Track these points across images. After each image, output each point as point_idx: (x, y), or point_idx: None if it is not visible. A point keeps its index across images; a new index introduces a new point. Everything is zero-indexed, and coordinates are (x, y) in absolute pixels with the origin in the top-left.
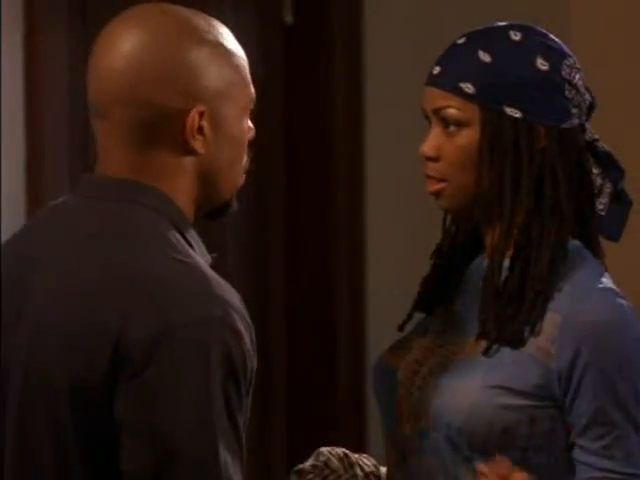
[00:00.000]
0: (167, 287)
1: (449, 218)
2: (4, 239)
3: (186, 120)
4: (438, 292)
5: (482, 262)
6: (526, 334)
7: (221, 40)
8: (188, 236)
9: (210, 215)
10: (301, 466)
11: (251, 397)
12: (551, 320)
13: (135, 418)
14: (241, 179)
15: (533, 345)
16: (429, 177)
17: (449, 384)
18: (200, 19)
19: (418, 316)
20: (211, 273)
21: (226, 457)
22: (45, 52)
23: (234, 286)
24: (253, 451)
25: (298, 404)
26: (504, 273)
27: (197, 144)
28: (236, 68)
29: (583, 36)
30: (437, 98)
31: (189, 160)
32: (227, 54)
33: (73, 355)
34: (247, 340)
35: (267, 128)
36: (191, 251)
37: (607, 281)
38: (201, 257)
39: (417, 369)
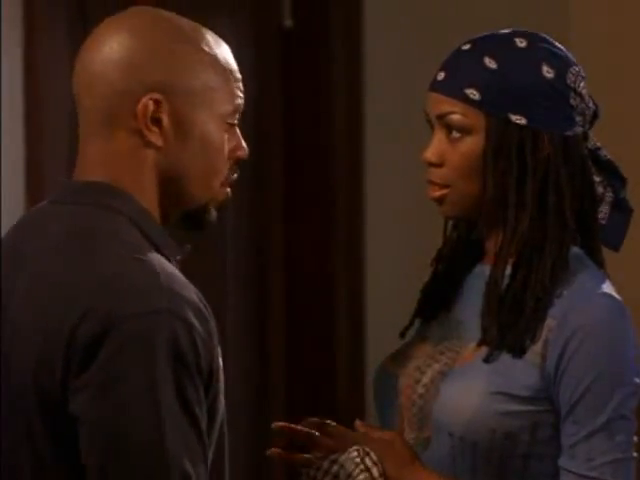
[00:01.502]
0: (116, 283)
1: (450, 224)
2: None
3: (138, 105)
4: (439, 299)
5: (482, 269)
6: (527, 341)
7: (208, 46)
8: (151, 233)
9: (185, 222)
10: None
11: (250, 396)
12: (548, 325)
13: (84, 411)
14: (221, 190)
15: (531, 350)
16: (431, 183)
17: (449, 393)
18: (193, 26)
19: (418, 322)
20: (163, 267)
21: (177, 445)
22: (45, 52)
23: (233, 289)
24: (252, 451)
25: (297, 405)
26: (506, 280)
27: (153, 136)
28: (220, 76)
29: (583, 42)
30: (441, 104)
31: (150, 153)
32: (211, 60)
33: (38, 357)
34: (200, 331)
35: (266, 131)
36: (148, 248)
37: (607, 287)
38: (170, 252)
39: (419, 377)
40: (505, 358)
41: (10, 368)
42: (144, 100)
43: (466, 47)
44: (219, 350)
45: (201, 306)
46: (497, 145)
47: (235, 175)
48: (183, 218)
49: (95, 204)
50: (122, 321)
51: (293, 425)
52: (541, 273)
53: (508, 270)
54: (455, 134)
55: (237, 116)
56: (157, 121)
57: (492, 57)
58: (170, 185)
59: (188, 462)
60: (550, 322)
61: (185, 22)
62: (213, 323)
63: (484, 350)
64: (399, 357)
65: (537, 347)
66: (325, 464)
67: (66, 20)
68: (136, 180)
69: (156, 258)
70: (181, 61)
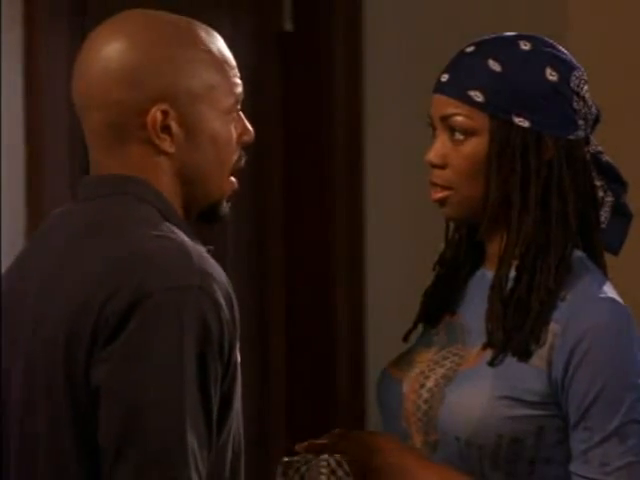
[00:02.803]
0: (147, 260)
1: (452, 227)
2: (4, 239)
3: (147, 118)
4: (442, 303)
5: (484, 273)
6: (532, 345)
7: (203, 43)
8: (176, 224)
9: (202, 218)
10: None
11: (249, 397)
12: (552, 329)
13: (106, 381)
14: (230, 181)
15: (537, 356)
16: (434, 184)
17: (455, 397)
18: (184, 23)
19: (421, 327)
20: (196, 248)
21: (192, 426)
22: (45, 52)
23: (233, 289)
24: (252, 451)
25: (297, 405)
26: (510, 283)
27: (164, 144)
28: (219, 71)
29: (581, 43)
30: (445, 105)
31: (163, 159)
32: (208, 57)
33: (68, 334)
34: (226, 311)
35: (266, 134)
36: (177, 230)
37: (608, 290)
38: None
39: (423, 382)
40: (510, 362)
41: (40, 348)
42: (152, 112)
43: (470, 50)
44: (238, 344)
45: (228, 287)
46: (501, 147)
47: (243, 161)
48: (200, 214)
49: (124, 193)
50: (151, 293)
51: (315, 441)
52: (545, 276)
53: (512, 273)
54: (458, 136)
55: (239, 104)
56: (166, 128)
57: (496, 59)
58: (186, 186)
59: (196, 443)
60: (554, 327)
61: (178, 21)
62: (237, 313)
63: (489, 354)
64: (402, 362)
65: (543, 352)
66: (301, 460)
67: (66, 20)
68: (157, 183)
69: (188, 240)
70: (181, 66)
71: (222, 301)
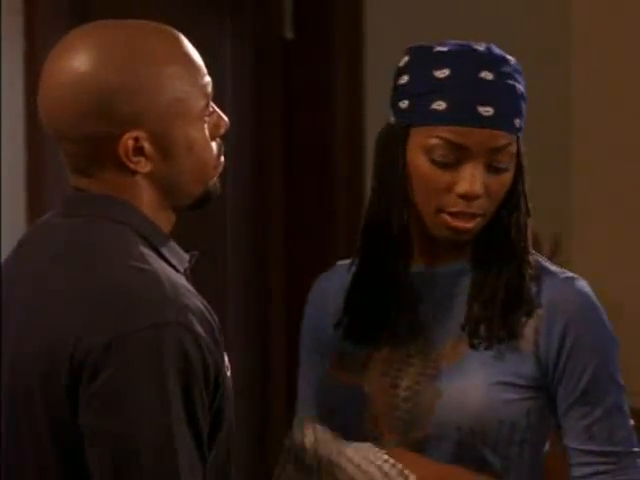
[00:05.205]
0: (122, 295)
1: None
2: (4, 240)
3: (118, 147)
4: (378, 318)
5: (421, 268)
6: (517, 329)
7: (166, 55)
8: (156, 243)
9: (193, 208)
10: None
11: (250, 398)
12: (536, 313)
13: (93, 422)
14: (215, 170)
15: (523, 339)
16: (466, 215)
17: (451, 390)
18: (144, 36)
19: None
20: (168, 277)
21: (185, 462)
22: (45, 53)
23: (234, 290)
24: (252, 451)
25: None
26: (493, 279)
27: (139, 165)
28: (186, 80)
29: (584, 45)
30: (496, 138)
31: (140, 178)
32: (173, 70)
33: (43, 370)
34: (207, 341)
35: (267, 141)
36: (153, 258)
37: (563, 270)
38: (177, 261)
39: (395, 382)
40: (497, 349)
41: (16, 383)
42: (123, 141)
43: (491, 77)
44: (226, 357)
45: (207, 314)
46: (522, 165)
47: (223, 147)
48: (190, 206)
49: (98, 215)
50: (129, 335)
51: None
52: (527, 267)
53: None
54: (504, 164)
55: (210, 102)
56: (139, 150)
57: (519, 83)
58: (169, 194)
59: (191, 478)
60: (538, 311)
61: (137, 35)
62: (219, 330)
63: (466, 345)
64: (349, 366)
65: (529, 336)
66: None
67: (66, 20)
68: (135, 199)
69: (161, 268)
70: (148, 86)
71: (200, 330)
